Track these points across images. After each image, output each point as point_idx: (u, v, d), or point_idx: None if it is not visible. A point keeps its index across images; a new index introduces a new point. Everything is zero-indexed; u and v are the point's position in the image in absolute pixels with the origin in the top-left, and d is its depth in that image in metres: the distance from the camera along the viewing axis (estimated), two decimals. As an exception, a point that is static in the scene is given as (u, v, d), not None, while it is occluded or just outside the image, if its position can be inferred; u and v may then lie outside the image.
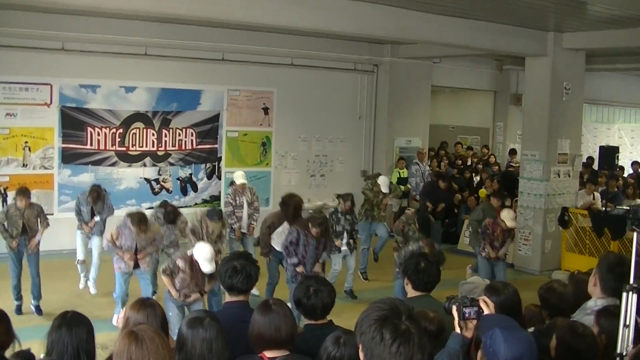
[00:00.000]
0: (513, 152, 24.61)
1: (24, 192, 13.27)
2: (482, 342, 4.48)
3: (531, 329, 5.84)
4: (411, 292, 6.86)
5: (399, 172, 21.44)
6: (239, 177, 15.60)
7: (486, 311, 4.79)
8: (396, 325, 3.45)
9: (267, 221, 14.03)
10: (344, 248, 14.80)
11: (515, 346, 4.29)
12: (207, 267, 10.26)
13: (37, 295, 13.43)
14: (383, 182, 16.76)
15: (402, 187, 20.96)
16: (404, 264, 7.12)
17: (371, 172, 22.09)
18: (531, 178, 18.02)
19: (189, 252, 10.63)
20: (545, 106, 17.57)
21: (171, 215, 13.89)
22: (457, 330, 4.80)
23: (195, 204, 19.58)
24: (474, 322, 4.81)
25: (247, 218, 15.33)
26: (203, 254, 10.29)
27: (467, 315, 4.80)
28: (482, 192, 21.95)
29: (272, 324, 5.37)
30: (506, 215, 14.23)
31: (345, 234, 14.94)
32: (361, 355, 3.54)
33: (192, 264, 10.36)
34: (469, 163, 24.30)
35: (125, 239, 12.40)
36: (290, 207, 13.59)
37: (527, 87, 18.72)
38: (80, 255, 14.70)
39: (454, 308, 4.82)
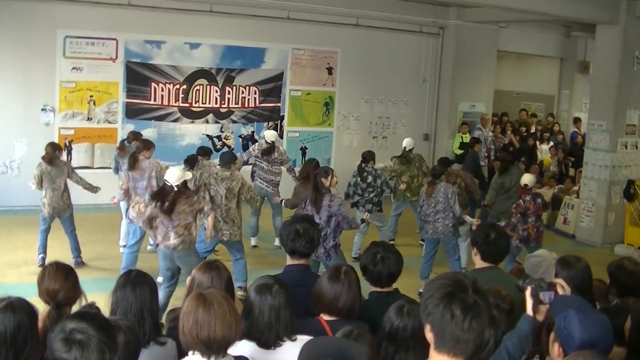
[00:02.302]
0: (577, 120, 24.23)
1: None
2: (556, 324, 4.39)
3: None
4: (479, 263, 6.79)
5: (462, 137, 21.24)
6: (272, 135, 15.42)
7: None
8: (464, 299, 3.40)
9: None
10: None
11: (591, 329, 4.22)
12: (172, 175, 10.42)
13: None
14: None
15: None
16: (473, 234, 7.02)
17: (433, 136, 22.01)
18: (597, 148, 17.67)
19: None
20: (614, 75, 17.18)
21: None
22: (530, 312, 4.71)
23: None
24: (547, 306, 4.71)
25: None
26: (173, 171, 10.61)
27: (542, 299, 4.68)
28: (547, 160, 21.75)
29: (333, 292, 5.45)
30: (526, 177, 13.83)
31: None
32: (429, 335, 3.48)
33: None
34: (532, 130, 24.03)
35: None
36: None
37: (596, 55, 18.38)
38: None
39: (529, 289, 4.71)
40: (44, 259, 12.80)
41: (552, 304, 4.66)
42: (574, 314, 4.25)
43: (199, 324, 4.23)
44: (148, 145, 13.07)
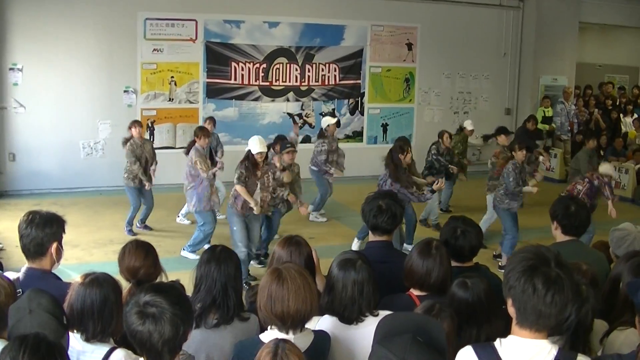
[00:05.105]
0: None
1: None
2: (636, 304, 4.28)
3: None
4: (560, 237, 6.63)
5: (544, 111, 21.00)
6: (327, 120, 15.70)
7: None
8: (546, 273, 3.33)
9: None
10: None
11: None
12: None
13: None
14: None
15: (547, 126, 20.64)
16: (553, 208, 6.86)
17: (515, 110, 21.76)
18: (683, 119, 17.33)
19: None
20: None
21: None
22: None
23: (338, 139, 19.59)
24: None
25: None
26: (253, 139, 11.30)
27: None
28: (632, 133, 21.33)
29: (425, 267, 5.35)
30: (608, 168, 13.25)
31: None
32: (511, 310, 3.43)
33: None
34: (617, 103, 23.60)
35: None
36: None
37: (684, 24, 17.98)
38: None
39: None
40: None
41: (627, 287, 4.53)
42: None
43: (272, 299, 4.27)
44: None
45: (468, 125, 16.47)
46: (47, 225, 5.17)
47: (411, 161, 12.52)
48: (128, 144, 13.73)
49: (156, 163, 14.02)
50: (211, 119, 15.20)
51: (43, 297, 4.20)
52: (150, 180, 13.79)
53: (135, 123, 13.92)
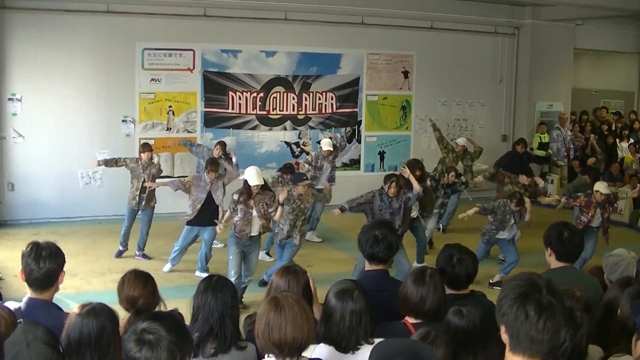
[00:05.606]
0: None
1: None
2: (637, 323, 4.33)
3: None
4: (555, 263, 6.57)
5: (540, 137, 21.06)
6: (326, 144, 16.13)
7: None
8: (538, 299, 3.36)
9: None
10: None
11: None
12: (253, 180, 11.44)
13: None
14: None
15: (544, 152, 20.70)
16: (546, 234, 6.87)
17: (511, 137, 21.80)
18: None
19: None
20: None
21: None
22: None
23: (335, 167, 19.66)
24: None
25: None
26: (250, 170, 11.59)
27: None
28: (629, 157, 21.38)
29: (419, 294, 5.38)
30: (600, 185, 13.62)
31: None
32: (504, 336, 3.47)
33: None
34: (613, 128, 23.66)
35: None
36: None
37: (676, 50, 18.11)
38: None
39: None
40: None
41: (631, 307, 4.59)
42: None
43: (270, 327, 4.29)
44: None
45: (460, 141, 16.68)
46: (59, 257, 5.22)
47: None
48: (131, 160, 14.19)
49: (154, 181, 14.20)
50: (221, 144, 15.36)
51: (38, 328, 4.24)
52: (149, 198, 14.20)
53: (142, 147, 14.34)
